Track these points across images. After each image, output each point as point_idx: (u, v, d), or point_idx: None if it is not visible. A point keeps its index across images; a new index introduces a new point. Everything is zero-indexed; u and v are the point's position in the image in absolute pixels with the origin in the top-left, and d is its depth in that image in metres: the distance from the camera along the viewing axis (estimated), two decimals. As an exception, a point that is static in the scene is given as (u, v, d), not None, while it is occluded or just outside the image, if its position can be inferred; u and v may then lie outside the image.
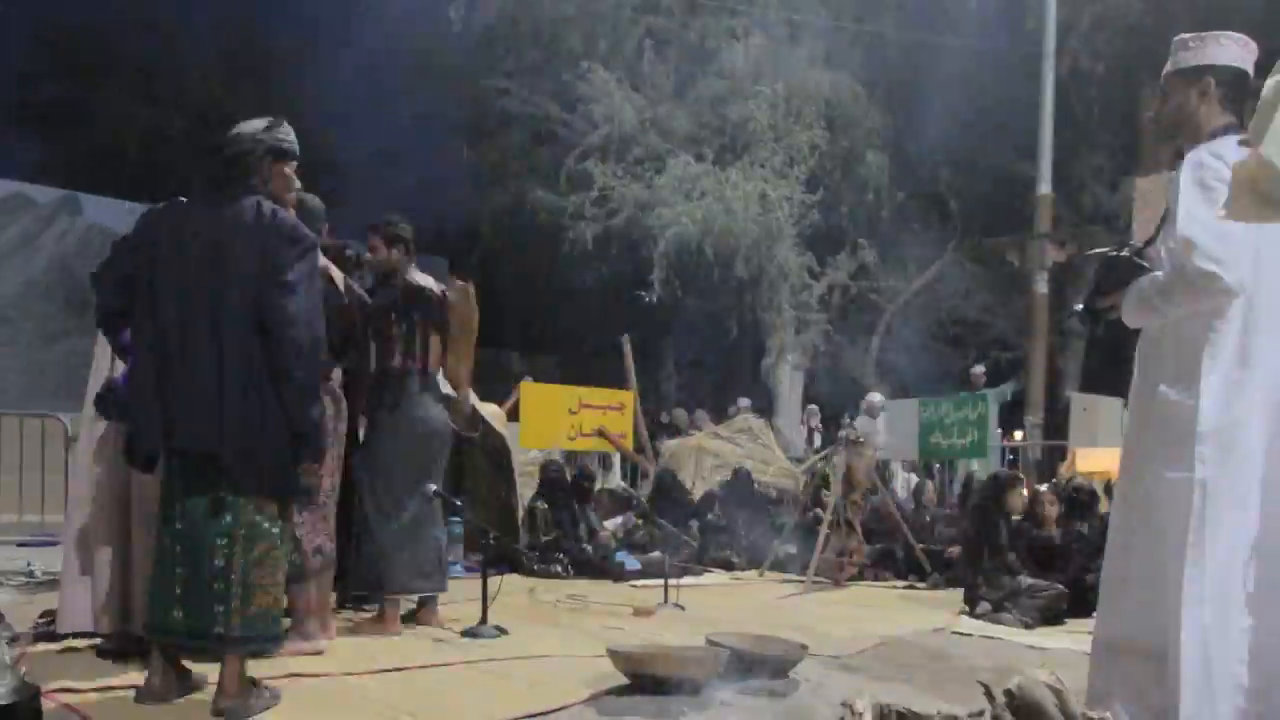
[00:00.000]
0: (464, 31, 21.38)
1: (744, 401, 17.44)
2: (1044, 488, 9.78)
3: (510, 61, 21.71)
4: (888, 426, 15.06)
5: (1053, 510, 8.69)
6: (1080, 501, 8.91)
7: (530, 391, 11.11)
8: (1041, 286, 18.05)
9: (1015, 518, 8.58)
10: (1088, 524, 8.62)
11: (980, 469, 13.59)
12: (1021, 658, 6.04)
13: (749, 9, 21.45)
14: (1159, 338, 3.82)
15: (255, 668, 4.30)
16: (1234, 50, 3.83)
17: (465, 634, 6.03)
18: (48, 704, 4.16)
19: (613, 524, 10.77)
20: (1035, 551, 8.34)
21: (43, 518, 9.40)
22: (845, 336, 23.09)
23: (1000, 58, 20.88)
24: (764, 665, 5.03)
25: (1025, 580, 7.63)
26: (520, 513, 9.76)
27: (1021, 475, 10.57)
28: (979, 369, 17.15)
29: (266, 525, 4.08)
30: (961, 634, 6.97)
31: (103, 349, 5.04)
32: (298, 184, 4.81)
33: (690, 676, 4.66)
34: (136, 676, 4.41)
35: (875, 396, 16.53)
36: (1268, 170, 2.76)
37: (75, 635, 5.70)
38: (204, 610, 3.99)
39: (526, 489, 10.19)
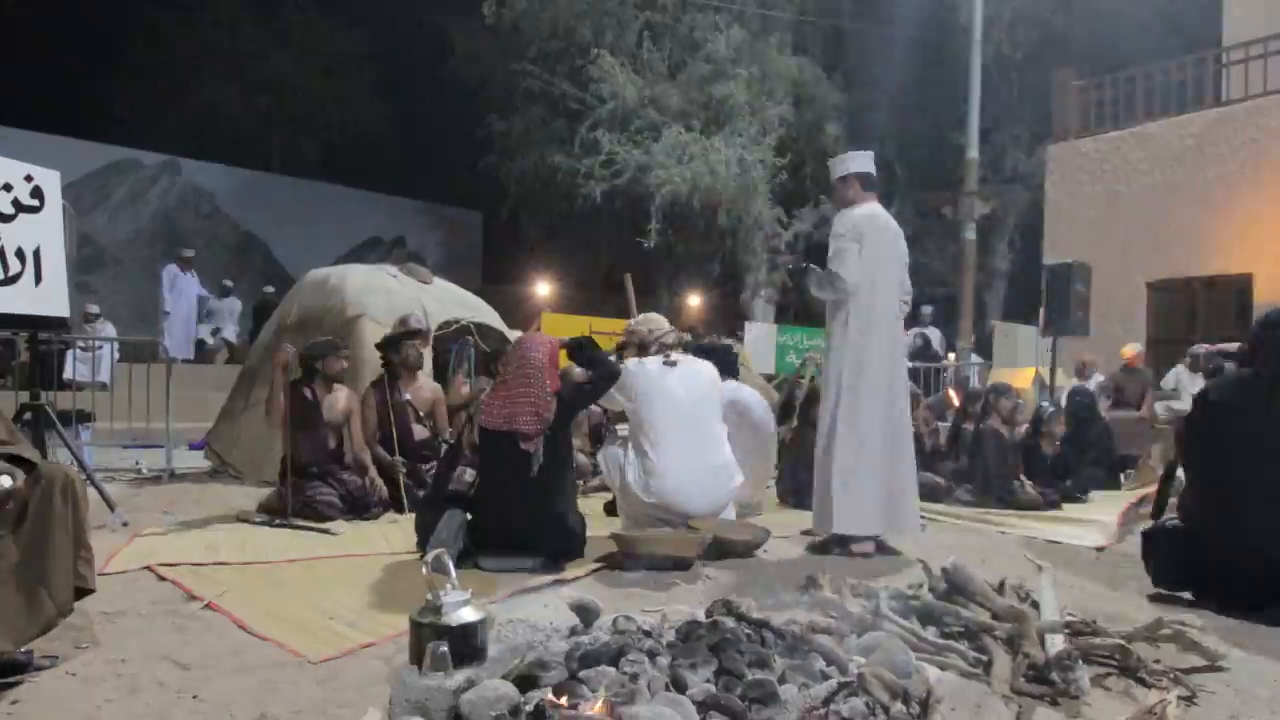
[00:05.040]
0: (495, 24, 21.27)
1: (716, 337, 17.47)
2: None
3: (533, 49, 21.54)
4: (752, 346, 14.75)
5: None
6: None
7: (549, 320, 10.99)
8: (970, 235, 17.96)
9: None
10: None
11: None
12: (951, 540, 6.00)
13: (730, 5, 21.31)
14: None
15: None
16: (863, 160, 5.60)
17: None
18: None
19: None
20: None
21: (147, 424, 9.32)
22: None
23: (936, 46, 20.91)
24: (738, 546, 4.98)
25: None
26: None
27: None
28: (928, 309, 17.02)
29: None
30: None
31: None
32: None
33: (680, 555, 4.60)
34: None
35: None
36: None
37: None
38: None
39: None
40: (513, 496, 4.59)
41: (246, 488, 7.28)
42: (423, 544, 4.55)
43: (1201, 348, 11.32)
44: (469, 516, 4.64)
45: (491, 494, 4.65)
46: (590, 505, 6.97)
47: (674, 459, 5.30)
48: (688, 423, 5.44)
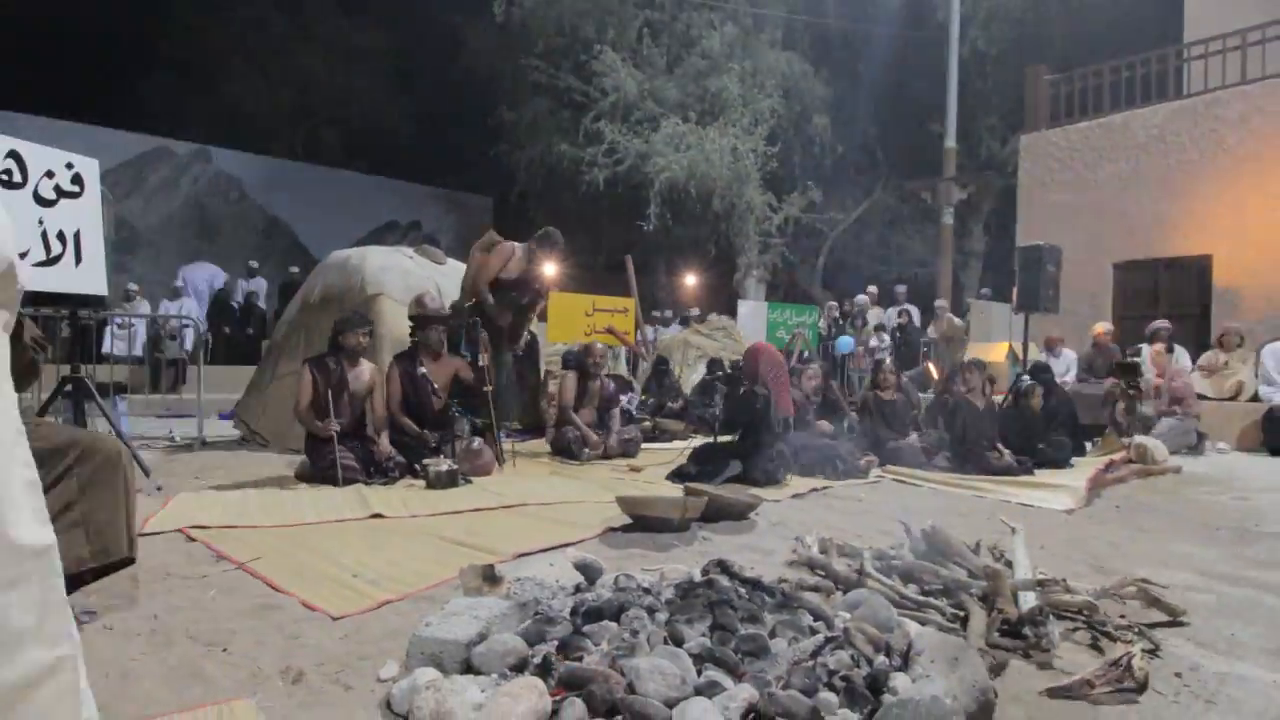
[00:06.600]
0: (505, 22, 21.20)
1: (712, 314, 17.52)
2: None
3: (540, 45, 21.47)
4: (745, 323, 14.78)
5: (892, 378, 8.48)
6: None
7: (554, 298, 10.94)
8: (948, 219, 17.94)
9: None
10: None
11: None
12: (930, 503, 5.99)
13: (723, 4, 21.22)
14: None
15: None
16: None
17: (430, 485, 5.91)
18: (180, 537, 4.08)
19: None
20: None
21: (180, 396, 9.32)
22: (797, 256, 23.15)
23: (916, 42, 20.88)
24: (731, 509, 4.96)
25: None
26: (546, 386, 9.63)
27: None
28: (901, 288, 16.94)
29: None
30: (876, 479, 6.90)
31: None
32: None
33: (678, 517, 4.59)
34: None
35: (862, 298, 16.36)
36: None
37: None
38: None
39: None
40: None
41: (272, 455, 7.27)
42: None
43: (1163, 323, 11.31)
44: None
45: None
46: (591, 471, 6.98)
47: None
48: None
